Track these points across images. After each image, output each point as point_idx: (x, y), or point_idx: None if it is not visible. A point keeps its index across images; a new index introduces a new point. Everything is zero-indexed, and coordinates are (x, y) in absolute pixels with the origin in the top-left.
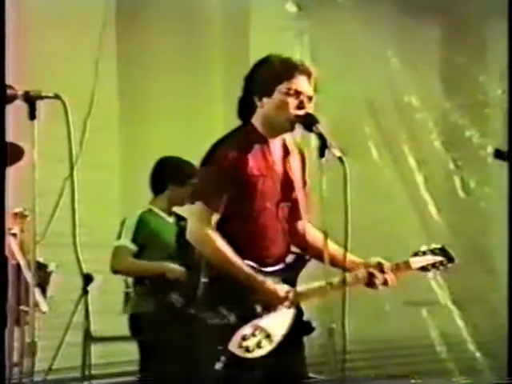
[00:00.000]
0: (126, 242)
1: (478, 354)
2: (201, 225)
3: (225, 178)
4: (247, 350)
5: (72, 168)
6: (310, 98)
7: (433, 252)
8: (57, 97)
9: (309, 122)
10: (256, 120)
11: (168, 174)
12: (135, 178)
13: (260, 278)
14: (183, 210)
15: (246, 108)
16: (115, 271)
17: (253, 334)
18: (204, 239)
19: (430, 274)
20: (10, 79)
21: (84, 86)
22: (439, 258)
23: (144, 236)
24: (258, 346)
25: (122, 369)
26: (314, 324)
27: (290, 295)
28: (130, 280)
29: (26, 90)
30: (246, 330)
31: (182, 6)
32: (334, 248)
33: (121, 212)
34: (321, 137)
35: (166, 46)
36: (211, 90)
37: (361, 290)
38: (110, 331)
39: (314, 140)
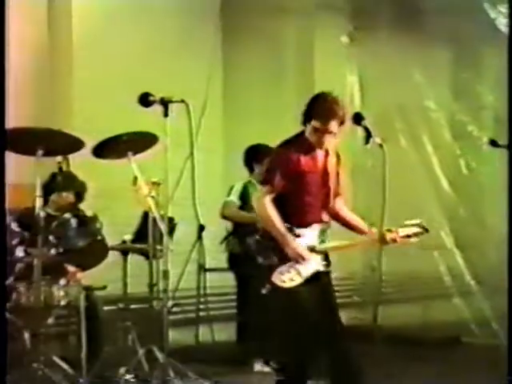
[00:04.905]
0: (234, 198)
1: (472, 282)
2: (261, 196)
3: (281, 169)
4: (283, 281)
5: (192, 152)
6: (333, 133)
7: (413, 225)
8: (183, 101)
9: (358, 119)
10: (307, 133)
11: (256, 156)
12: (232, 160)
13: (291, 238)
14: None
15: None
16: (224, 217)
17: (288, 271)
18: (259, 206)
19: (412, 240)
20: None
21: (198, 92)
22: (418, 230)
23: (245, 198)
24: (291, 279)
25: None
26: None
27: (313, 250)
28: (230, 228)
29: (162, 96)
30: (284, 268)
31: (269, 33)
32: (355, 219)
33: (223, 183)
34: (366, 129)
35: (256, 64)
36: (288, 98)
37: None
38: (216, 264)
39: (360, 132)
